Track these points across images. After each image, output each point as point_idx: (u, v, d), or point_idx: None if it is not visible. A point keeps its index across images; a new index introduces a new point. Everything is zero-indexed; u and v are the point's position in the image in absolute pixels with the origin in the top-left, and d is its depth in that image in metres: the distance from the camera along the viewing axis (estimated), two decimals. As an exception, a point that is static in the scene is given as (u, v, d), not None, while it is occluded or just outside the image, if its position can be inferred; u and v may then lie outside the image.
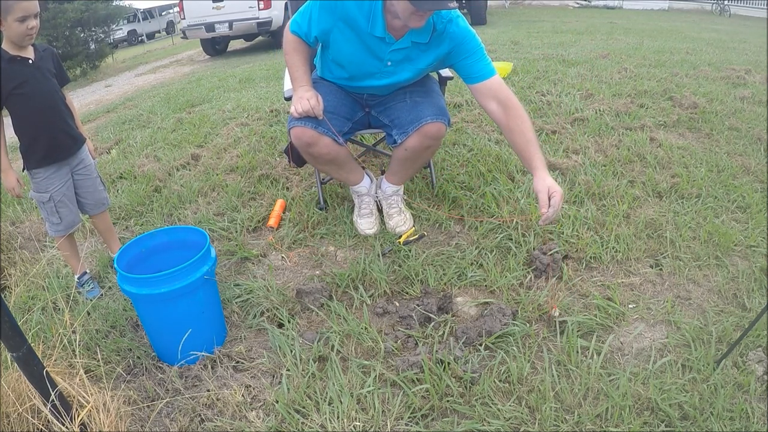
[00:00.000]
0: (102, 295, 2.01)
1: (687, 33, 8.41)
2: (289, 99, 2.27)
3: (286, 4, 8.78)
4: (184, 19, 9.62)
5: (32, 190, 1.93)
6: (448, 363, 1.45)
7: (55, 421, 1.26)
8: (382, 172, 2.26)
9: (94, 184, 2.05)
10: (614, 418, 1.28)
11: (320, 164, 2.08)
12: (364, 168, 2.20)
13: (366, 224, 2.15)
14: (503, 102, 1.74)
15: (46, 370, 1.22)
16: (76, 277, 2.06)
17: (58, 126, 1.88)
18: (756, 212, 2.13)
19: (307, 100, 1.82)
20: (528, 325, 1.60)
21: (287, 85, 2.38)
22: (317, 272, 2.00)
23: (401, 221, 2.14)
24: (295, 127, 1.90)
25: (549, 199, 1.57)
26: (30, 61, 1.77)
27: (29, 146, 1.85)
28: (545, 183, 1.60)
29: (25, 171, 1.90)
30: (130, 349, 1.67)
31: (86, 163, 2.02)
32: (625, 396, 1.33)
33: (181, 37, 11.44)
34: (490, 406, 1.35)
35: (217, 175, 2.90)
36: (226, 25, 9.21)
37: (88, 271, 2.11)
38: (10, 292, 2.08)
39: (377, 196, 2.20)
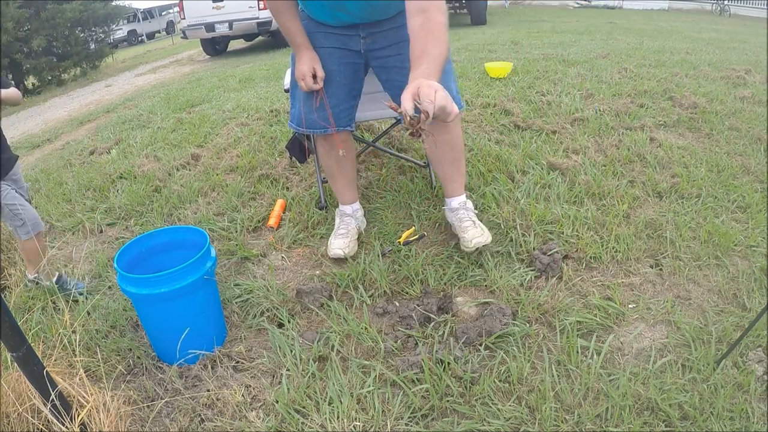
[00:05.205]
0: (87, 288, 2.01)
1: (687, 33, 8.41)
2: (288, 91, 2.28)
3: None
4: (184, 19, 9.62)
5: None
6: (448, 363, 1.45)
7: (55, 420, 1.26)
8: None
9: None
10: (614, 418, 1.28)
11: (328, 157, 2.04)
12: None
13: (338, 244, 2.00)
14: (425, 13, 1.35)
15: (46, 370, 1.22)
16: (32, 276, 2.05)
17: None
18: (756, 212, 2.13)
19: (302, 79, 1.78)
20: (528, 325, 1.60)
21: (287, 77, 2.39)
22: (317, 272, 2.00)
23: (477, 233, 1.85)
24: (319, 138, 1.96)
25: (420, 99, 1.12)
26: None
27: None
28: (416, 82, 1.16)
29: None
30: (130, 349, 1.67)
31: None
32: (625, 396, 1.33)
33: (181, 37, 11.43)
34: (490, 406, 1.35)
35: (217, 175, 2.90)
36: (226, 25, 9.21)
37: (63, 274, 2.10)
38: (10, 292, 2.08)
39: (358, 224, 2.13)
